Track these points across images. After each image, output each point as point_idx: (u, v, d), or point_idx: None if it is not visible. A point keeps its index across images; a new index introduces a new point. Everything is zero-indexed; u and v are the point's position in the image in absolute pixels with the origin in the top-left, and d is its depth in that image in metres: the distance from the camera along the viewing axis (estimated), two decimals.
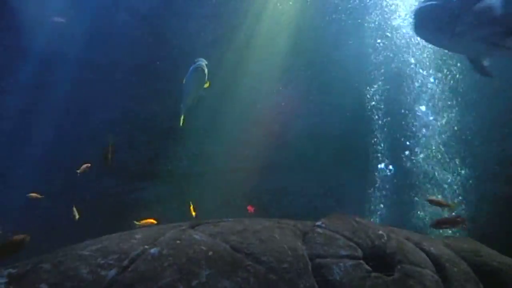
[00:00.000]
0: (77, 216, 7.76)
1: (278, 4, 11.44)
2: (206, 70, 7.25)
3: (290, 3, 11.41)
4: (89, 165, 7.70)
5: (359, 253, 3.65)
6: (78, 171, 7.75)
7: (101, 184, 9.82)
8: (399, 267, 3.61)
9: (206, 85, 7.45)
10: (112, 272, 2.97)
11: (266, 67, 11.64)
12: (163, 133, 11.13)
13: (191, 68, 7.31)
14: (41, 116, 10.17)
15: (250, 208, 8.31)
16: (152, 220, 7.16)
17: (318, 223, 3.93)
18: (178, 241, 3.36)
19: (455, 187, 10.49)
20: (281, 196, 11.33)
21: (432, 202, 6.91)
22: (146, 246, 3.26)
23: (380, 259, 3.67)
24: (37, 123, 10.15)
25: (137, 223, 7.19)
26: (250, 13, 11.37)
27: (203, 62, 7.29)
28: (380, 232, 3.88)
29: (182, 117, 8.10)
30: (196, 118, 11.20)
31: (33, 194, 7.88)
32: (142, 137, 11.05)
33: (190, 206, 7.98)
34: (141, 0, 10.79)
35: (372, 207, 11.03)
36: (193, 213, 7.92)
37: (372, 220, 10.65)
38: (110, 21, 10.61)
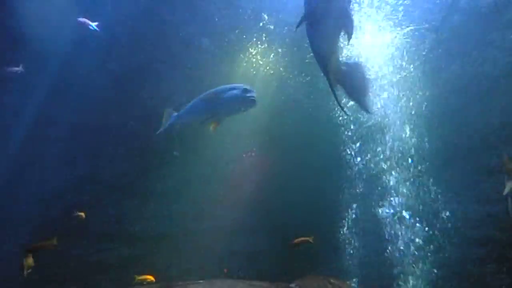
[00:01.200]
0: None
1: (253, 71, 11.89)
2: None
3: (271, 72, 11.85)
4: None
5: None
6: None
7: (63, 245, 9.26)
8: None
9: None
10: None
11: (241, 128, 11.87)
12: (132, 192, 10.88)
13: (241, 90, 6.95)
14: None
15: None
16: (150, 277, 6.76)
17: (292, 284, 3.86)
18: None
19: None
20: (254, 257, 11.04)
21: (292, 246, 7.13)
22: None
23: None
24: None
25: (137, 277, 6.78)
26: (223, 76, 11.76)
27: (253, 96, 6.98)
28: None
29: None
30: (166, 177, 11.10)
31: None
32: (109, 196, 10.73)
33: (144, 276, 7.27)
34: (117, 64, 11.02)
35: (346, 265, 10.92)
36: (152, 279, 7.21)
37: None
38: (82, 80, 10.68)
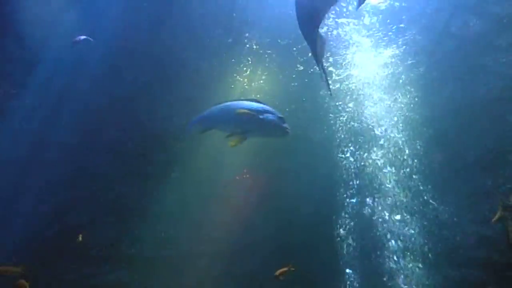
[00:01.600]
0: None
1: (246, 85, 11.99)
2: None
3: (254, 86, 12.00)
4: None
5: None
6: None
7: (58, 268, 9.08)
8: None
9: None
10: None
11: (239, 148, 11.89)
12: (129, 214, 10.79)
13: (277, 117, 6.86)
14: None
15: None
16: None
17: None
18: None
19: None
20: (251, 282, 10.89)
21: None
22: None
23: None
24: None
25: None
26: (220, 97, 11.88)
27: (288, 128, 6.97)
28: None
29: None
30: (164, 200, 11.05)
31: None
32: (107, 217, 10.63)
33: None
34: (115, 85, 11.11)
35: None
36: None
37: None
38: (80, 100, 10.74)
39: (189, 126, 7.77)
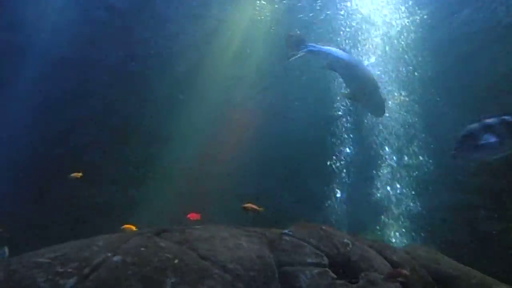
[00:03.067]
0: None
1: (257, 11, 11.47)
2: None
3: (267, 13, 11.47)
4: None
5: (325, 261, 3.70)
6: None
7: (67, 187, 9.45)
8: (363, 274, 3.68)
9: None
10: (72, 280, 2.89)
11: (244, 71, 11.64)
12: (136, 135, 10.91)
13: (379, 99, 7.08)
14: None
15: (194, 216, 7.69)
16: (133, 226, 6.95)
17: (285, 231, 3.96)
18: (142, 249, 3.30)
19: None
20: (255, 202, 11.26)
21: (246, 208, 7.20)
22: (108, 254, 3.18)
23: (345, 267, 3.74)
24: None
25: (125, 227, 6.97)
26: (229, 19, 11.37)
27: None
28: (346, 240, 3.94)
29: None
30: (170, 123, 11.08)
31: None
32: (111, 138, 10.76)
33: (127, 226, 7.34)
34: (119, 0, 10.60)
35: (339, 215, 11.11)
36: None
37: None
38: (80, 17, 10.37)
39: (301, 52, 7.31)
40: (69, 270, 2.97)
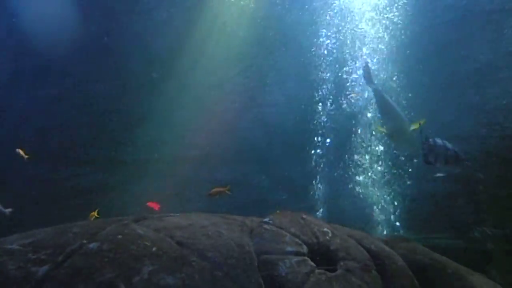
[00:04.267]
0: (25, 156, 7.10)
1: None
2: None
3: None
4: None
5: (305, 249, 3.70)
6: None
7: (35, 169, 9.08)
8: (342, 263, 3.71)
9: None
10: (45, 268, 2.77)
11: (223, 52, 11.38)
12: (107, 116, 10.54)
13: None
14: None
15: (153, 205, 7.57)
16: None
17: (266, 219, 3.94)
18: (119, 236, 3.20)
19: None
20: (233, 188, 11.19)
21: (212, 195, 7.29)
22: (84, 241, 3.07)
23: (324, 256, 3.75)
24: None
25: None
26: None
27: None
28: (325, 229, 3.96)
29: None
30: (144, 103, 10.77)
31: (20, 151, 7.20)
32: (81, 118, 10.34)
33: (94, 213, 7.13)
34: None
35: (318, 202, 11.21)
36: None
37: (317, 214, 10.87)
38: None
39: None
40: (42, 257, 2.84)
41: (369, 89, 8.80)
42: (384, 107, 7.89)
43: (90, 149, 10.35)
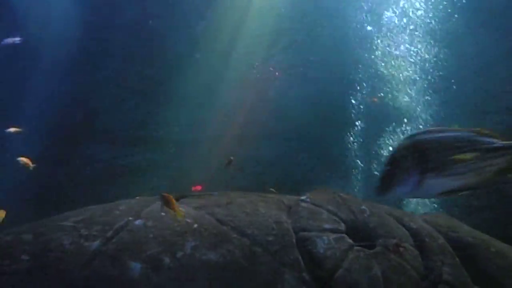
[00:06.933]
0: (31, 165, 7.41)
1: None
2: None
3: None
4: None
5: (342, 227, 3.72)
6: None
7: (89, 149, 9.62)
8: (380, 241, 3.69)
9: None
10: (96, 243, 3.01)
11: (264, 29, 11.27)
12: (154, 97, 10.89)
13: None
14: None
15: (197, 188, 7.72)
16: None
17: (303, 197, 3.97)
18: (163, 214, 3.39)
19: None
20: (275, 166, 11.24)
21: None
22: (130, 218, 3.28)
23: (362, 233, 3.75)
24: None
25: None
26: None
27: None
28: (363, 207, 3.94)
29: None
30: (189, 83, 10.97)
31: (23, 159, 7.58)
32: (130, 100, 10.77)
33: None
34: None
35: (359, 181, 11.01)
36: None
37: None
38: None
39: None
40: (94, 233, 3.08)
41: None
42: None
43: (137, 131, 10.79)
